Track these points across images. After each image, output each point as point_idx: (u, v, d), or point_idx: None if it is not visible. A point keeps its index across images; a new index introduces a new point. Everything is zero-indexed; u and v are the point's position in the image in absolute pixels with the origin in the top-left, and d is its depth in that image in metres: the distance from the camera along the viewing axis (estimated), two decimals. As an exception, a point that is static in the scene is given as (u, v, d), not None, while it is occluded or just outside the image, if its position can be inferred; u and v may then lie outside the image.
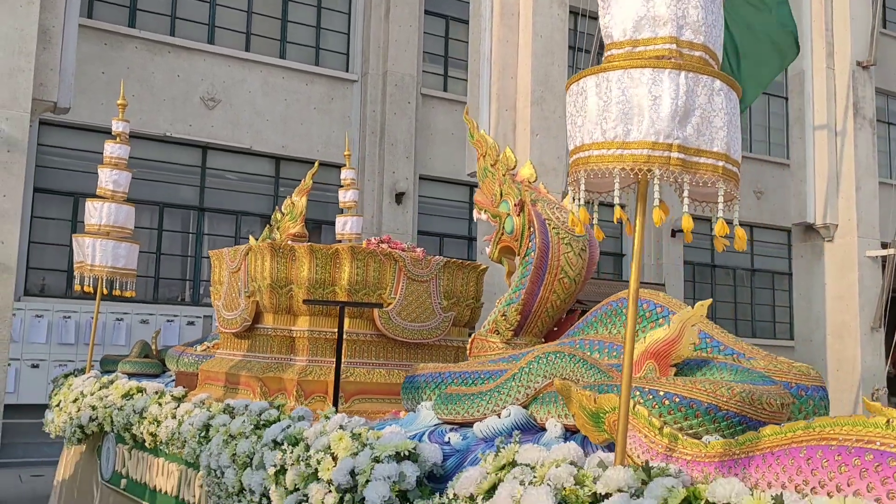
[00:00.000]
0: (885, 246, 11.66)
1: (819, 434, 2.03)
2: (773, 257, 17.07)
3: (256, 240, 5.83)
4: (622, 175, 2.14)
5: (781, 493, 1.79)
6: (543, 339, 4.36)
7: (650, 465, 2.16)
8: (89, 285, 6.39)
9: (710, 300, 3.12)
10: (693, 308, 3.08)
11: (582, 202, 2.23)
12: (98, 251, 6.23)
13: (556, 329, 4.43)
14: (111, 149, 6.51)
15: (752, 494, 1.80)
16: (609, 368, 3.03)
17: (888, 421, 1.93)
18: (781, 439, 2.12)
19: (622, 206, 2.16)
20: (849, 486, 1.90)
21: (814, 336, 11.91)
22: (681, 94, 2.08)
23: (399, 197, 12.80)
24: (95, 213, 6.35)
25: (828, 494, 1.90)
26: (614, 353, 3.47)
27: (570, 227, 4.24)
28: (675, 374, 3.00)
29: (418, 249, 5.13)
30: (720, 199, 2.13)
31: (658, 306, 3.76)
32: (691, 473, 2.23)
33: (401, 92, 13.13)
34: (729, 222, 2.19)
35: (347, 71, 13.53)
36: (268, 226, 6.73)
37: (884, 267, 11.38)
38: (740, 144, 2.21)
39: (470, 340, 4.37)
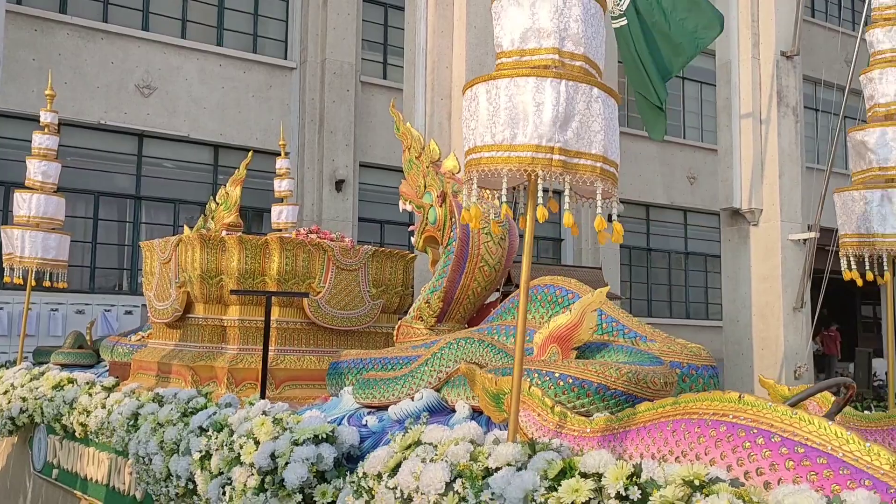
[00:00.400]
0: (810, 228, 12.17)
1: (683, 409, 2.26)
2: (705, 241, 17.60)
3: (192, 229, 5.90)
4: (510, 175, 2.32)
5: (640, 462, 2.01)
6: (466, 325, 4.55)
7: (536, 441, 2.37)
8: (19, 277, 6.37)
9: (608, 287, 3.34)
10: (594, 294, 3.30)
11: (475, 200, 2.41)
12: (27, 243, 6.22)
13: (476, 315, 4.63)
14: (39, 140, 6.48)
15: (616, 464, 2.01)
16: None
17: (740, 396, 2.16)
18: (653, 415, 2.34)
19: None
20: (706, 454, 2.13)
21: (740, 316, 12.37)
22: (561, 101, 2.27)
23: (339, 184, 12.88)
24: (24, 204, 6.33)
25: (689, 462, 2.12)
26: (528, 339, 3.68)
27: (502, 218, 4.44)
28: (577, 357, 3.22)
29: (347, 239, 5.27)
30: (598, 196, 2.34)
31: (569, 292, 3.97)
32: (578, 447, 2.44)
33: (340, 80, 13.17)
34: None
35: (286, 58, 13.51)
36: (202, 215, 6.78)
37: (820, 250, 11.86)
38: (618, 147, 2.42)
39: (396, 327, 4.55)
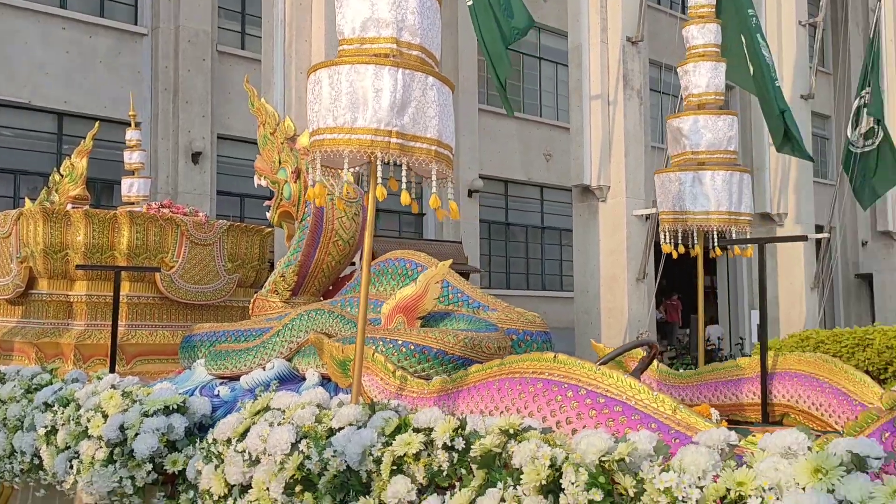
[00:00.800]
0: (654, 204, 13.01)
1: (507, 369, 2.52)
2: (561, 216, 18.39)
3: (34, 201, 5.68)
4: (351, 156, 2.48)
5: (466, 417, 2.24)
6: (321, 298, 4.69)
7: (376, 402, 2.57)
8: None
9: (451, 261, 3.57)
10: (438, 267, 3.53)
11: (318, 179, 2.56)
12: None
13: (332, 288, 4.77)
14: None
15: (445, 420, 2.23)
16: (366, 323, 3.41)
17: (554, 357, 2.44)
18: (482, 375, 2.59)
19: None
20: (525, 408, 2.40)
21: (590, 287, 13.10)
22: (399, 88, 2.44)
23: (195, 157, 12.55)
24: None
25: (511, 415, 2.38)
26: (378, 309, 3.87)
27: (344, 195, 4.57)
28: (421, 326, 3.44)
29: (201, 213, 5.26)
30: (434, 177, 2.54)
31: (418, 265, 4.17)
32: (416, 407, 2.66)
33: (195, 48, 12.77)
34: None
35: (136, 24, 12.94)
36: (45, 188, 6.51)
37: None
38: (452, 131, 2.62)
39: (252, 301, 4.62)
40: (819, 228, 16.62)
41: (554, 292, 17.73)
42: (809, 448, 1.67)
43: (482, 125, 15.92)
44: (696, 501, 1.69)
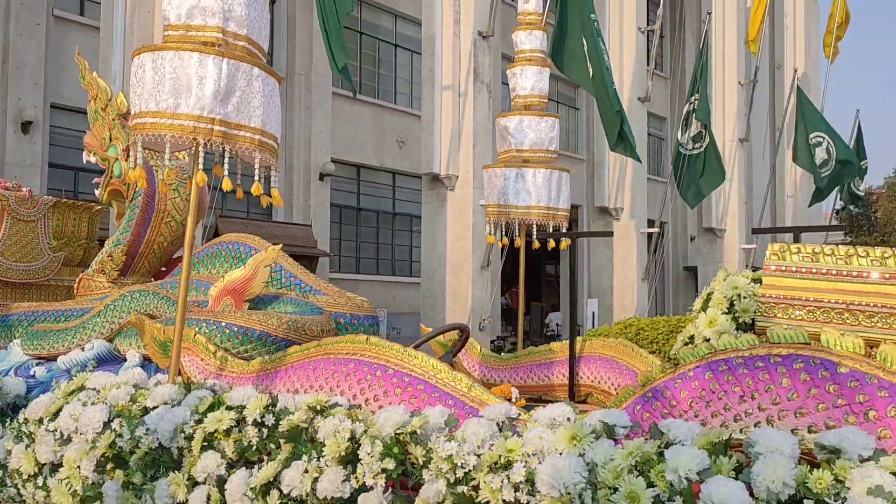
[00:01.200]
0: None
1: (324, 350, 2.66)
2: (412, 202, 18.66)
3: None
4: (173, 141, 2.53)
5: (278, 395, 2.37)
6: (152, 279, 4.63)
7: (193, 382, 2.64)
8: None
9: (280, 245, 3.66)
10: (268, 251, 3.60)
11: (139, 162, 2.58)
12: None
13: (165, 269, 4.72)
14: None
15: (258, 398, 2.35)
16: (192, 305, 3.44)
17: (367, 339, 2.60)
18: (300, 356, 2.72)
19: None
20: (338, 387, 2.55)
21: (437, 274, 13.43)
22: (223, 77, 2.51)
23: (26, 126, 11.78)
24: None
25: (325, 393, 2.52)
26: (207, 292, 3.89)
27: (165, 178, 4.53)
28: (249, 308, 3.51)
29: (24, 189, 5.04)
30: (256, 164, 2.63)
31: (252, 249, 4.22)
32: (236, 386, 2.75)
33: (29, 11, 11.96)
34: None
35: (-38, -21, 11.96)
36: None
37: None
38: (278, 122, 2.72)
39: (77, 280, 4.50)
40: (651, 223, 17.82)
41: (404, 278, 18.01)
42: (569, 419, 1.92)
43: (336, 109, 15.88)
44: (473, 466, 1.90)
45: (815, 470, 1.61)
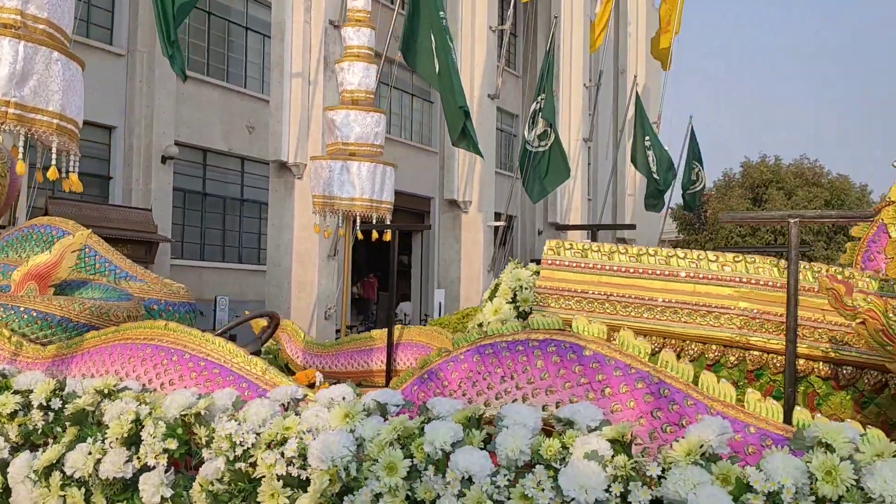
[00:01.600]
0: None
1: (122, 335, 2.69)
2: (261, 189, 18.35)
3: None
4: (-36, 121, 2.48)
5: (65, 378, 2.39)
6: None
7: (-18, 367, 2.59)
8: None
9: (90, 230, 3.61)
10: (76, 236, 3.54)
11: (-76, 141, 2.51)
12: None
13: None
14: None
15: (45, 382, 2.36)
16: (-6, 290, 3.34)
17: (166, 325, 2.66)
18: (97, 341, 2.73)
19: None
20: (133, 371, 2.59)
21: (282, 262, 13.33)
22: (20, 59, 2.48)
23: None
24: None
25: (120, 379, 2.55)
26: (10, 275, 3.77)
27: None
28: (55, 293, 3.44)
29: None
30: (54, 148, 2.62)
31: (66, 233, 4.12)
32: (30, 370, 2.72)
33: None
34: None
35: None
36: None
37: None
38: (80, 107, 2.71)
39: None
40: (498, 216, 18.45)
41: (251, 265, 17.71)
42: (344, 398, 2.08)
43: (181, 91, 15.36)
44: (252, 444, 2.02)
45: (548, 439, 1.85)
